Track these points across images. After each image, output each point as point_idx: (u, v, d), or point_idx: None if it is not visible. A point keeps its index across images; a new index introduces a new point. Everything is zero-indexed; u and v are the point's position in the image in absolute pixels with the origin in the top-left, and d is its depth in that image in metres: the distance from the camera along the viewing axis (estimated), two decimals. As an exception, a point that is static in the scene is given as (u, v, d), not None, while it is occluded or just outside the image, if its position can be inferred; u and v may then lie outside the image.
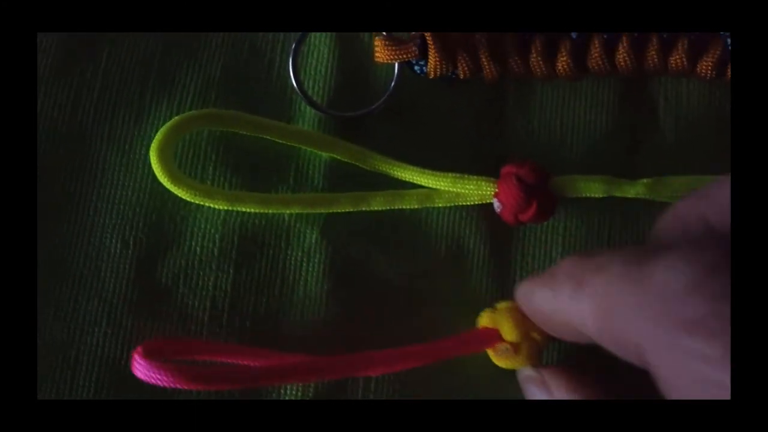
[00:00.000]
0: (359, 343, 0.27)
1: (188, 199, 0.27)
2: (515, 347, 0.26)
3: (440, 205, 0.28)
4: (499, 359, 0.27)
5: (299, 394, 0.27)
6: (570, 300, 0.22)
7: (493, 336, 0.26)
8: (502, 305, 0.27)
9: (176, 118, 0.28)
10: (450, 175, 0.28)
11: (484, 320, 0.27)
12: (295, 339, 0.28)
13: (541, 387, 0.26)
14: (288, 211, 0.28)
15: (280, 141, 0.28)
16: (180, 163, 0.28)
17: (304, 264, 0.28)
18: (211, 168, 0.29)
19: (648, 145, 0.29)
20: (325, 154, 0.29)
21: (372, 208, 0.28)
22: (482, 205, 0.29)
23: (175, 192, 0.27)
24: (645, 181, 0.28)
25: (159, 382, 0.24)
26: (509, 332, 0.26)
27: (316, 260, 0.28)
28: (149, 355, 0.25)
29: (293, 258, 0.28)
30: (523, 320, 0.26)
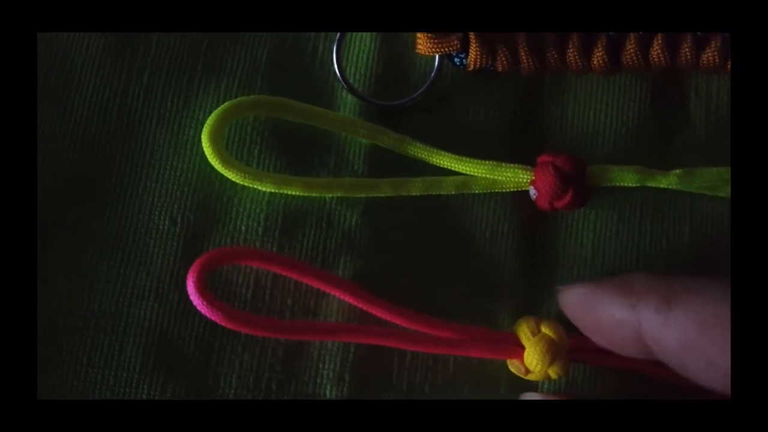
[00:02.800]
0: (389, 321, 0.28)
1: (238, 181, 0.28)
2: (528, 371, 0.27)
3: (477, 191, 0.29)
4: (511, 366, 0.28)
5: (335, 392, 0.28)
6: (655, 315, 0.23)
7: (515, 354, 0.27)
8: (545, 327, 0.27)
9: (227, 103, 0.29)
10: (488, 162, 0.29)
11: (521, 331, 0.28)
12: (333, 314, 0.29)
13: None
14: (330, 195, 0.29)
15: (323, 127, 0.29)
16: (228, 147, 0.29)
17: (344, 246, 0.29)
18: (256, 151, 0.30)
19: (679, 138, 0.30)
20: (365, 141, 0.30)
21: (411, 194, 0.29)
22: (518, 192, 0.29)
23: (226, 174, 0.28)
24: (677, 171, 0.29)
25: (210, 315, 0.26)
26: (531, 361, 0.27)
27: (356, 242, 0.29)
28: (204, 273, 0.26)
29: (334, 239, 0.29)
30: (549, 355, 0.27)
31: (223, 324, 0.26)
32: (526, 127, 0.30)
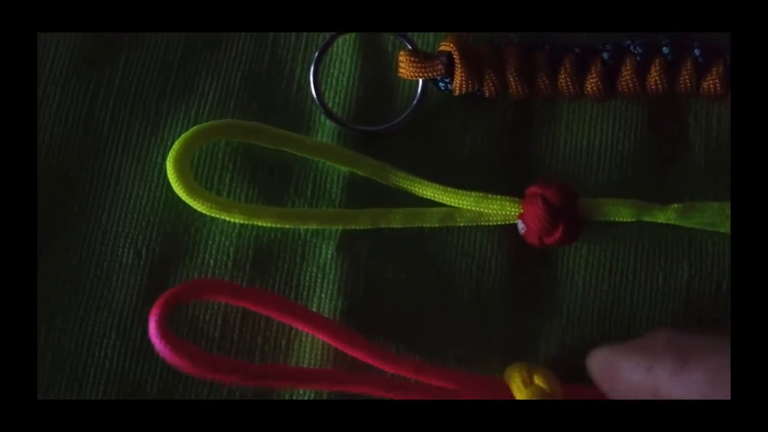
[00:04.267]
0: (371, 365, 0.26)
1: (204, 212, 0.27)
2: None
3: (462, 224, 0.28)
4: None
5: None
6: (672, 377, 0.22)
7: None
8: (537, 378, 0.26)
9: (195, 128, 0.27)
10: (473, 193, 0.27)
11: (513, 381, 0.26)
12: (306, 356, 0.27)
13: None
14: (305, 227, 0.27)
15: (299, 153, 0.28)
16: (196, 173, 0.28)
17: (319, 280, 0.27)
18: (227, 178, 0.28)
19: (677, 167, 0.29)
20: (344, 168, 0.28)
21: (391, 225, 0.28)
22: (505, 225, 0.28)
23: (192, 204, 0.27)
24: (676, 206, 0.27)
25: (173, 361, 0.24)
26: None
27: (332, 277, 0.27)
28: (167, 313, 0.25)
29: (308, 273, 0.27)
30: None
31: (188, 371, 0.24)
32: (516, 156, 0.29)
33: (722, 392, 0.21)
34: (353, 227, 0.27)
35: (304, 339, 0.27)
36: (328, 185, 0.28)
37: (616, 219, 0.27)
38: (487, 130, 0.29)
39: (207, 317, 0.27)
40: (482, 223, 0.28)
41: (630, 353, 0.24)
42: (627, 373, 0.23)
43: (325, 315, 0.27)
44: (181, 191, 0.26)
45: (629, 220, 0.27)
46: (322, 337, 0.26)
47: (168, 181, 0.27)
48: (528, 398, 0.25)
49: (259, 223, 0.27)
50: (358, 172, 0.28)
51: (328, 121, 0.28)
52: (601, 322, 0.28)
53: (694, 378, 0.22)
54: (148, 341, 0.26)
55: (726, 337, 0.22)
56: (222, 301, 0.27)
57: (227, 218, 0.27)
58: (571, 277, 0.28)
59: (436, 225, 0.28)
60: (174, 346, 0.24)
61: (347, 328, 0.26)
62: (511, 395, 0.26)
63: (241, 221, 0.27)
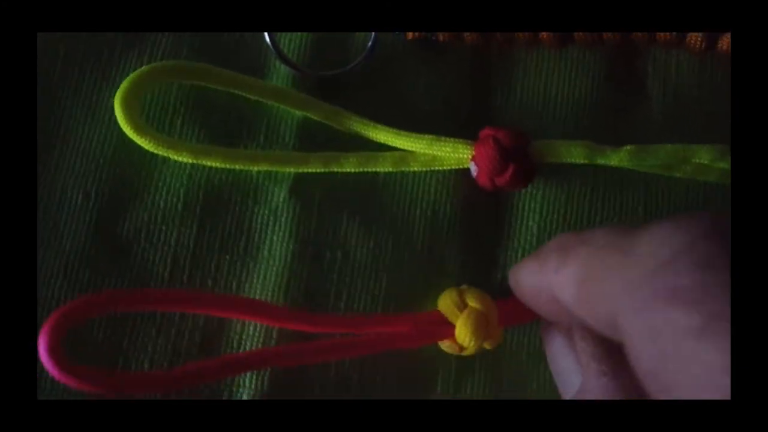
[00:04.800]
0: (319, 308, 0.26)
1: (151, 150, 0.26)
2: (462, 349, 0.26)
3: (416, 168, 0.27)
4: (443, 346, 0.26)
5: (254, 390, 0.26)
6: (555, 273, 0.21)
7: (445, 334, 0.25)
8: (470, 299, 0.25)
9: (144, 67, 0.27)
10: (426, 136, 0.27)
11: (446, 307, 0.26)
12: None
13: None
14: (256, 168, 0.27)
15: (252, 97, 0.28)
16: (148, 116, 0.27)
17: (271, 223, 0.27)
18: (179, 122, 0.28)
19: (634, 114, 0.28)
20: (298, 113, 0.28)
21: (344, 170, 0.27)
22: (460, 171, 0.28)
23: (139, 142, 0.26)
24: (629, 148, 0.27)
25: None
26: (464, 339, 0.25)
27: (284, 220, 0.27)
28: (60, 332, 0.22)
29: (260, 216, 0.27)
30: (482, 330, 0.25)
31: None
32: (472, 103, 0.29)
33: (592, 283, 0.20)
34: (305, 170, 0.27)
35: (255, 281, 0.27)
36: (281, 130, 0.28)
37: (569, 161, 0.27)
38: (442, 76, 0.29)
39: (156, 259, 0.27)
40: (436, 167, 0.27)
41: (527, 260, 0.23)
42: (525, 278, 0.23)
43: (277, 258, 0.27)
44: (129, 129, 0.26)
45: (581, 161, 0.27)
46: (264, 322, 0.26)
47: (118, 123, 0.27)
48: (465, 321, 0.25)
49: (208, 163, 0.27)
50: (312, 117, 0.28)
51: (282, 66, 0.28)
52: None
53: (570, 270, 0.20)
54: (96, 282, 0.26)
55: (601, 229, 0.20)
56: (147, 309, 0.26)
57: (175, 157, 0.26)
58: (525, 222, 0.28)
59: (390, 169, 0.27)
60: (66, 371, 0.22)
61: (286, 309, 0.26)
62: (449, 322, 0.25)
63: (189, 160, 0.27)
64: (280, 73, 0.28)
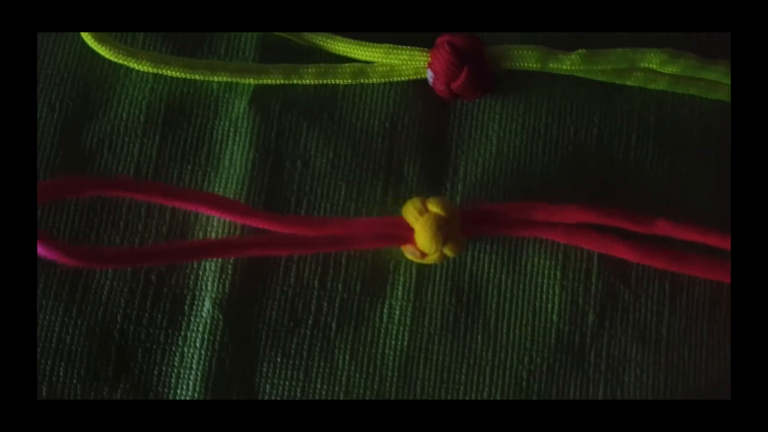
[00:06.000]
0: (280, 213, 0.27)
1: (112, 59, 0.27)
2: (423, 255, 0.26)
3: (374, 80, 0.28)
4: (406, 253, 0.26)
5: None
6: None
7: (407, 239, 0.26)
8: (431, 205, 0.26)
9: (105, -20, 0.27)
10: (384, 45, 0.27)
11: (409, 213, 0.26)
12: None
13: None
14: (216, 79, 0.27)
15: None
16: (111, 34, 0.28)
17: (231, 133, 0.28)
18: (141, 36, 0.28)
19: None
20: (258, 27, 0.28)
21: (304, 82, 0.28)
22: (419, 83, 0.28)
23: (99, 51, 0.27)
24: (581, 51, 0.27)
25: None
26: (424, 243, 0.26)
27: (244, 130, 0.28)
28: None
29: (220, 127, 0.28)
30: (441, 233, 0.25)
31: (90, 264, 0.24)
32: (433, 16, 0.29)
33: None
34: (265, 82, 0.28)
35: (216, 189, 0.27)
36: (242, 44, 0.28)
37: (523, 65, 0.27)
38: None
39: (120, 168, 0.27)
40: (394, 79, 0.28)
41: None
42: None
43: (238, 167, 0.27)
44: (89, 38, 0.27)
45: (535, 66, 0.27)
46: (228, 218, 0.26)
47: (81, 37, 0.27)
48: (424, 225, 0.25)
49: (168, 73, 0.27)
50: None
51: (243, -17, 0.29)
52: (517, 175, 0.28)
53: None
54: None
55: None
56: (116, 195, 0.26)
57: (135, 66, 0.27)
58: (485, 131, 0.28)
59: (349, 81, 0.28)
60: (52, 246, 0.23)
61: (249, 207, 0.26)
62: (410, 228, 0.26)
63: (150, 70, 0.27)
64: (241, -10, 0.29)
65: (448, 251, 0.26)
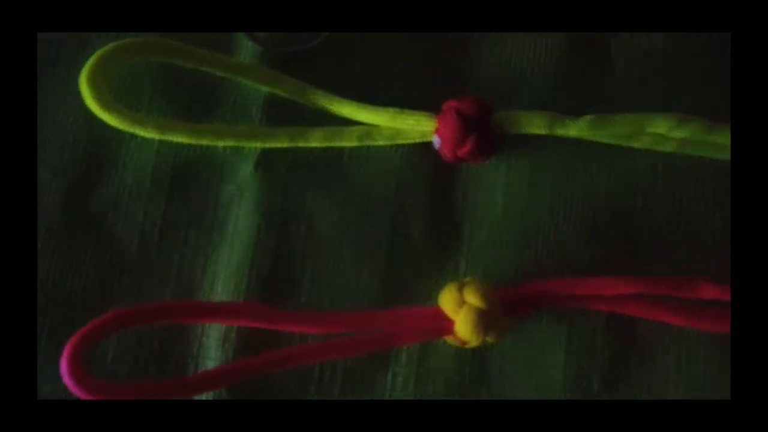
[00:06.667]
0: (286, 284, 0.27)
1: (117, 125, 0.27)
2: (464, 342, 0.26)
3: (381, 143, 0.28)
4: (448, 340, 0.26)
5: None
6: None
7: (448, 329, 0.25)
8: (468, 295, 0.25)
9: (110, 45, 0.27)
10: (390, 110, 0.27)
11: (446, 304, 0.25)
12: (221, 275, 0.27)
13: None
14: (222, 144, 0.27)
15: (220, 74, 0.28)
16: (116, 96, 0.28)
17: (236, 198, 0.27)
18: (146, 99, 0.28)
19: (598, 87, 0.29)
20: (264, 89, 0.28)
21: (310, 145, 0.28)
22: (424, 145, 0.28)
23: (104, 119, 0.27)
24: (588, 117, 0.27)
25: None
26: (465, 335, 0.25)
27: (249, 195, 0.27)
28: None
29: (226, 192, 0.28)
30: (481, 326, 0.25)
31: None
32: (436, 75, 0.29)
33: None
34: (271, 145, 0.27)
35: (222, 254, 0.27)
36: (248, 105, 0.28)
37: (529, 131, 0.27)
38: (407, 51, 0.29)
39: (124, 233, 0.27)
40: (400, 141, 0.28)
41: None
42: None
43: (242, 233, 0.27)
44: (95, 106, 0.26)
45: (542, 131, 0.27)
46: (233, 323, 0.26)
47: (85, 103, 0.27)
48: (464, 319, 0.25)
49: (174, 138, 0.27)
50: (278, 92, 0.28)
51: (248, 42, 0.29)
52: (523, 237, 0.28)
53: None
54: (71, 256, 0.26)
55: None
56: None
57: (141, 133, 0.27)
58: (491, 193, 0.28)
59: (355, 144, 0.28)
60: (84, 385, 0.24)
61: (265, 305, 0.26)
62: (449, 319, 0.25)
63: (156, 136, 0.27)
64: (247, 49, 0.29)
65: (490, 339, 0.26)
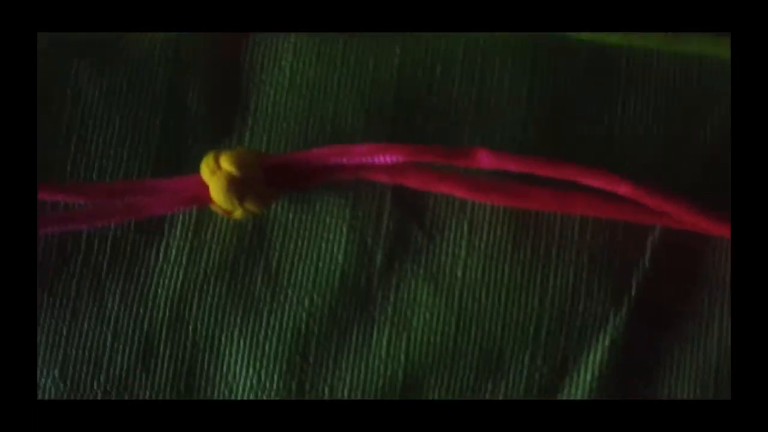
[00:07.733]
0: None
1: None
2: (228, 213, 0.25)
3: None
4: (214, 209, 0.25)
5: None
6: None
7: (207, 198, 0.24)
8: (224, 161, 0.24)
9: None
10: None
11: (203, 172, 0.24)
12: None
13: None
14: None
15: None
16: None
17: None
18: None
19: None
20: None
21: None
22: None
23: None
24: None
25: None
26: (219, 202, 0.24)
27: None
28: None
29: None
30: (233, 192, 0.24)
31: None
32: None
33: None
34: None
35: None
36: None
37: None
38: None
39: None
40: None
41: None
42: None
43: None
44: None
45: None
46: None
47: None
48: (216, 185, 0.24)
49: None
50: None
51: None
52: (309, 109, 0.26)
53: None
54: None
55: None
56: None
57: None
58: (279, 63, 0.27)
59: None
60: None
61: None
62: (207, 186, 0.24)
63: None
64: None
65: (250, 207, 0.24)
